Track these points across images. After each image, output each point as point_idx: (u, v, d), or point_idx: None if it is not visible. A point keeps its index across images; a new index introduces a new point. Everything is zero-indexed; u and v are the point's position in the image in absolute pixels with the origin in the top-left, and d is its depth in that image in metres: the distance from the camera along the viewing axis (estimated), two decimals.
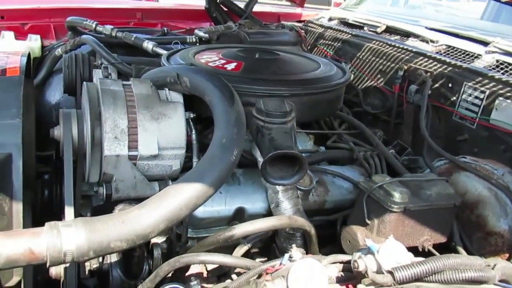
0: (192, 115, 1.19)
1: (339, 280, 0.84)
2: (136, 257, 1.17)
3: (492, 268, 0.79)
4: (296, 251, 0.75)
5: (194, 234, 1.21)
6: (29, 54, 1.35)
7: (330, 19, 2.43)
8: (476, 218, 1.14)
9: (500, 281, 0.81)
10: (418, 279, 0.75)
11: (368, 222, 1.05)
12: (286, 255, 0.76)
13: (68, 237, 0.78)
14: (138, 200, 1.08)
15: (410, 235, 1.05)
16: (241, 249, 1.20)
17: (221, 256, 1.00)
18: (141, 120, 1.10)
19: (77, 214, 1.17)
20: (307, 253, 1.22)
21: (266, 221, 1.04)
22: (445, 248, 1.12)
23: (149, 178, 1.16)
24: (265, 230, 1.08)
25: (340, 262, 0.88)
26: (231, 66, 1.39)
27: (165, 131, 1.12)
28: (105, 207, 1.15)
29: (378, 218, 1.03)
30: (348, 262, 0.83)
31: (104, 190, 1.12)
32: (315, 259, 0.79)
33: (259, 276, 0.82)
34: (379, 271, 0.76)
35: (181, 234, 1.19)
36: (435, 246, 1.10)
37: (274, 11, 2.92)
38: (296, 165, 1.05)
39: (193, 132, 1.19)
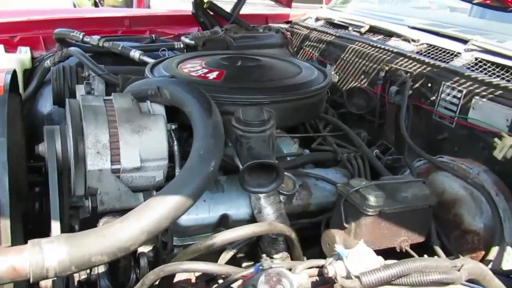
0: (174, 126, 1.22)
1: (315, 285, 0.87)
2: (123, 266, 1.20)
3: (459, 269, 0.82)
4: (266, 260, 0.78)
5: (179, 242, 1.25)
6: (14, 71, 1.38)
7: (317, 19, 2.45)
8: (453, 217, 1.17)
9: (468, 281, 0.84)
10: (386, 282, 0.78)
11: (346, 225, 1.08)
12: (257, 264, 0.79)
13: (50, 254, 0.82)
14: (123, 211, 1.10)
15: (387, 236, 1.08)
16: (227, 255, 1.23)
17: (203, 264, 1.03)
18: (122, 134, 1.12)
19: (67, 225, 1.21)
20: (291, 256, 1.26)
21: (246, 229, 1.07)
22: (423, 248, 1.15)
23: (134, 189, 1.19)
24: (245, 237, 1.11)
25: (317, 267, 0.91)
26: (213, 75, 1.42)
27: (146, 144, 1.15)
28: (92, 218, 1.19)
29: (355, 221, 1.06)
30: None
31: (90, 203, 1.15)
32: (287, 266, 0.82)
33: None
34: (349, 276, 0.79)
35: (167, 242, 1.23)
36: (414, 246, 1.13)
37: (262, 12, 2.93)
38: (273, 173, 1.08)
39: (175, 143, 1.22)
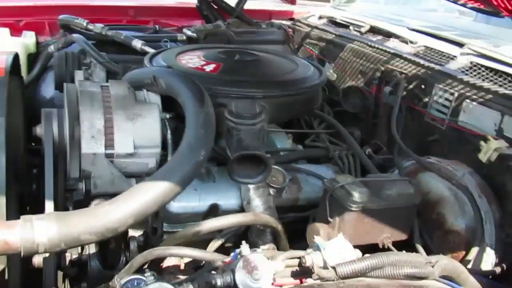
0: (168, 116, 1.25)
1: (294, 275, 0.90)
2: (113, 249, 1.24)
3: (433, 266, 0.85)
4: (245, 247, 0.81)
5: (169, 228, 1.28)
6: (16, 54, 1.41)
7: (320, 18, 2.46)
8: (437, 216, 1.20)
9: (442, 277, 0.87)
10: (361, 274, 0.81)
11: (330, 220, 1.11)
12: (237, 250, 0.82)
13: (40, 230, 0.85)
14: (116, 195, 1.14)
15: (370, 233, 1.11)
16: (215, 243, 1.26)
17: (189, 250, 1.06)
18: (117, 120, 1.16)
19: (62, 207, 1.25)
20: (277, 248, 1.29)
21: (232, 218, 1.10)
22: (406, 246, 1.18)
23: (127, 174, 1.22)
24: (231, 226, 1.14)
25: (298, 258, 0.94)
26: (209, 68, 1.45)
27: (140, 131, 1.18)
28: (86, 201, 1.22)
29: (339, 216, 1.09)
30: None
31: (84, 186, 1.19)
32: (269, 255, 0.85)
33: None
34: (326, 267, 0.82)
35: (157, 228, 1.26)
36: (396, 243, 1.15)
37: (266, 8, 2.94)
38: (261, 165, 1.11)
39: (168, 132, 1.25)
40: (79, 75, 1.38)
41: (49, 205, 1.15)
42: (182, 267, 1.33)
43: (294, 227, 1.31)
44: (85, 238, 0.90)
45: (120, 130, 1.16)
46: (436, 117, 1.47)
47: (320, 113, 1.69)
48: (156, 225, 1.27)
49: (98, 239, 0.91)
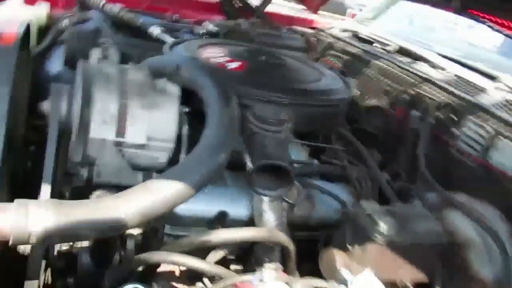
0: (187, 109, 1.15)
1: None
2: (108, 246, 1.13)
3: None
4: (268, 272, 0.72)
5: (171, 231, 1.17)
6: (28, 25, 1.31)
7: (344, 31, 2.39)
8: (461, 260, 1.11)
9: None
10: None
11: (349, 248, 1.02)
12: (257, 275, 0.72)
13: (36, 218, 0.75)
14: (118, 188, 1.04)
15: (390, 269, 1.02)
16: (216, 254, 1.16)
17: (194, 260, 0.97)
18: (132, 107, 1.06)
19: (57, 192, 1.14)
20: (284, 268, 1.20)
21: (244, 232, 1.01)
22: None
23: (134, 167, 1.12)
24: (242, 241, 1.04)
25: None
26: (234, 65, 1.36)
27: (155, 122, 1.09)
28: (84, 189, 1.12)
29: (361, 246, 1.00)
30: None
31: (86, 173, 1.09)
32: (287, 281, 0.76)
33: None
34: None
35: (158, 229, 1.16)
36: (416, 285, 1.07)
37: (287, 14, 2.88)
38: (284, 177, 1.02)
39: (186, 127, 1.15)
40: (96, 53, 1.28)
41: (45, 188, 1.04)
42: (177, 273, 1.23)
43: (300, 247, 1.22)
44: (84, 234, 0.80)
45: (135, 118, 1.06)
46: (465, 151, 1.39)
47: (341, 130, 1.60)
48: (158, 225, 1.17)
49: (97, 236, 0.82)
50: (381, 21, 2.63)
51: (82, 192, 1.09)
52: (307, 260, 1.21)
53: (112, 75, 1.08)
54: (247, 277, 0.76)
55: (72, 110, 1.07)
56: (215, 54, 1.44)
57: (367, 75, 1.87)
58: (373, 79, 1.84)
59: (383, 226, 0.98)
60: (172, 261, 0.96)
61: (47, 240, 0.78)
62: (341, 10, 3.55)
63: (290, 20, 2.76)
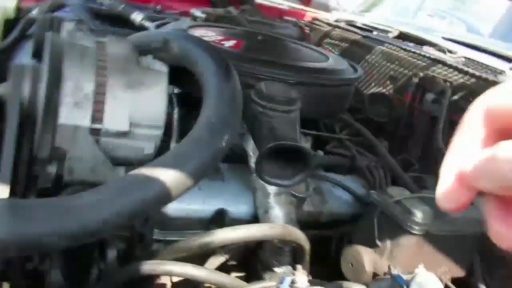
0: (176, 90, 0.98)
1: None
2: (84, 257, 0.93)
3: None
4: (301, 275, 0.54)
5: (161, 236, 0.99)
6: None
7: (337, 21, 2.26)
8: (501, 252, 0.96)
9: None
10: None
11: (379, 243, 0.85)
12: (288, 279, 0.55)
13: None
14: (94, 186, 0.86)
15: (427, 264, 0.85)
16: (216, 260, 0.99)
17: (192, 268, 0.78)
18: (111, 86, 0.88)
19: (21, 195, 0.94)
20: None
21: (254, 229, 0.83)
22: (462, 283, 0.93)
23: (114, 161, 0.93)
24: (252, 240, 0.86)
25: None
26: (229, 43, 1.19)
27: (140, 104, 0.91)
28: (54, 190, 0.92)
29: (392, 240, 0.83)
30: None
31: (54, 169, 0.90)
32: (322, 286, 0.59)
33: None
34: None
35: (145, 234, 0.97)
36: (452, 280, 0.91)
37: (276, 6, 2.74)
38: (296, 164, 0.85)
39: (176, 110, 0.97)
40: (68, 25, 1.09)
41: (3, 189, 0.84)
42: (168, 285, 1.05)
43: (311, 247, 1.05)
44: (50, 242, 0.60)
45: (115, 99, 0.88)
46: None
47: (346, 117, 1.45)
48: (144, 230, 0.98)
49: (68, 244, 0.63)
50: (376, 12, 2.51)
51: (50, 194, 0.90)
52: (314, 262, 1.04)
53: (87, 47, 0.89)
54: (267, 283, 0.59)
55: (37, 91, 0.88)
56: (207, 34, 1.27)
57: (369, 61, 1.73)
58: (376, 66, 1.69)
59: (419, 215, 0.81)
60: (166, 271, 0.78)
61: (2, 252, 0.59)
62: (325, 11, 3.45)
63: (280, 12, 2.62)
